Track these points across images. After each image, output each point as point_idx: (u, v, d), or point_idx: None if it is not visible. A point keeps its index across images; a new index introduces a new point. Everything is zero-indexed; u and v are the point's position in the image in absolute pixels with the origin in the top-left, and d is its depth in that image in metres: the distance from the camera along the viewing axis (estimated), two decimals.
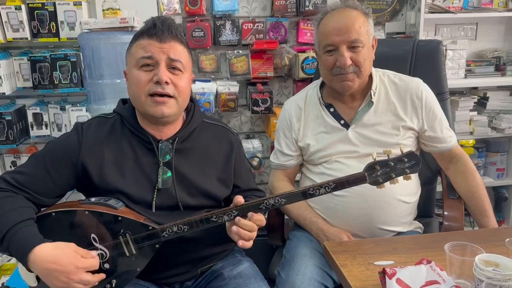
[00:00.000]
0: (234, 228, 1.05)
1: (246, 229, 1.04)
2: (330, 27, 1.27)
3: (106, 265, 1.07)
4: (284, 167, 1.46)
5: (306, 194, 1.05)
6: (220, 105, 2.17)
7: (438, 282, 0.86)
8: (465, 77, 2.42)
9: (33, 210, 1.07)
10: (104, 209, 1.06)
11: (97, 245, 1.06)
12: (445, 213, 1.40)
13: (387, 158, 1.04)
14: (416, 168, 1.04)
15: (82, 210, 1.07)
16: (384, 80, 1.36)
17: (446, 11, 2.31)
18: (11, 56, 2.02)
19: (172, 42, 1.09)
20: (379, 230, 1.31)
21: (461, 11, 2.35)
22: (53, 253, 0.98)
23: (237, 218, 1.04)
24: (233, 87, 2.18)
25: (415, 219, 1.42)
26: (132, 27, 1.78)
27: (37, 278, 1.06)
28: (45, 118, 2.07)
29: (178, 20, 2.11)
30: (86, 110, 1.98)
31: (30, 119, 2.06)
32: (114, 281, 1.07)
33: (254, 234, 1.07)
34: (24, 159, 2.08)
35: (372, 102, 1.32)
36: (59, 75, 1.96)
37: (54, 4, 1.90)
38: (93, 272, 1.02)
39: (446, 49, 2.34)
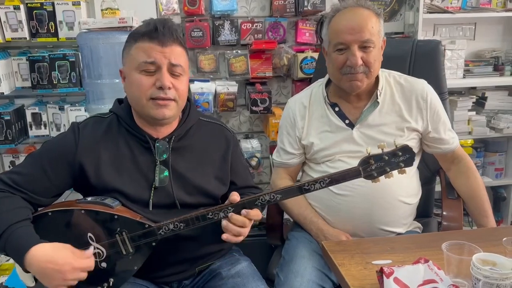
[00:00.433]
0: (224, 222, 1.05)
1: (237, 224, 1.05)
2: (342, 26, 1.25)
3: (103, 264, 1.07)
4: (287, 165, 1.45)
5: (301, 189, 1.05)
6: (219, 105, 2.17)
7: (435, 281, 0.86)
8: (464, 77, 2.42)
9: (30, 210, 1.07)
10: (100, 208, 1.06)
11: (94, 244, 1.06)
12: (444, 213, 1.40)
13: (381, 152, 1.04)
14: (410, 162, 1.04)
15: (78, 209, 1.07)
16: (390, 81, 1.36)
17: (445, 11, 2.31)
18: (10, 56, 2.02)
19: (173, 45, 1.09)
20: (380, 230, 1.31)
21: (459, 11, 2.36)
22: (49, 253, 0.98)
23: (230, 213, 1.04)
24: (232, 87, 2.18)
25: (414, 219, 1.42)
26: (131, 27, 1.78)
27: (35, 278, 1.06)
28: (44, 118, 2.07)
29: (177, 20, 2.11)
30: (85, 110, 1.98)
31: (28, 119, 2.07)
32: (111, 279, 1.07)
33: (245, 230, 1.07)
34: (22, 159, 2.07)
35: (378, 102, 1.32)
36: (57, 75, 1.96)
37: (52, 4, 1.91)
38: (90, 272, 1.02)
39: (444, 49, 2.34)
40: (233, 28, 2.17)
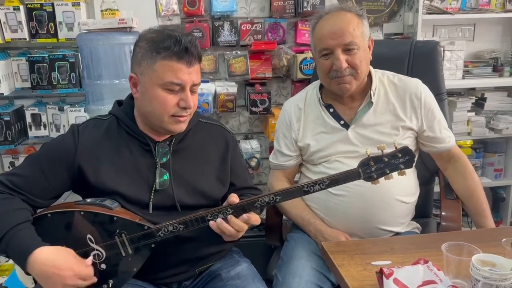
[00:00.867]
0: (214, 223, 1.04)
1: (235, 228, 1.05)
2: (324, 31, 1.27)
3: (103, 266, 1.07)
4: (283, 167, 1.46)
5: (301, 191, 1.05)
6: (219, 106, 2.18)
7: (435, 282, 0.86)
8: (463, 78, 2.42)
9: (30, 212, 1.07)
10: (100, 210, 1.06)
11: (93, 245, 1.06)
12: (443, 213, 1.41)
13: (381, 153, 1.04)
14: (410, 164, 1.04)
15: (77, 211, 1.07)
16: (384, 81, 1.37)
17: (444, 12, 2.31)
18: (10, 57, 2.02)
19: (196, 64, 1.10)
20: (378, 230, 1.31)
21: (458, 12, 2.36)
22: (52, 257, 0.98)
23: (229, 216, 1.04)
24: (232, 88, 2.18)
25: (413, 219, 1.42)
26: (131, 27, 1.78)
27: (34, 280, 1.06)
28: (44, 118, 2.07)
29: (176, 20, 2.11)
30: (85, 111, 1.98)
31: (28, 119, 2.07)
32: (111, 281, 1.07)
33: (239, 234, 1.07)
34: (22, 160, 2.06)
35: (372, 102, 1.33)
36: (57, 75, 1.96)
37: (52, 4, 1.91)
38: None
39: (444, 50, 2.34)
40: (233, 29, 2.17)
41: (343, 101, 1.36)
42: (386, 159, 1.03)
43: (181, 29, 2.10)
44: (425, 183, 1.57)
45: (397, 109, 1.33)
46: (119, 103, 1.21)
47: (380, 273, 0.89)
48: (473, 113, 2.45)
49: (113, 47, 1.81)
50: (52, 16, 1.92)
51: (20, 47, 2.06)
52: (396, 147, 1.04)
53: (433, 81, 1.56)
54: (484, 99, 2.46)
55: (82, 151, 1.11)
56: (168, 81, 1.06)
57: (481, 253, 0.89)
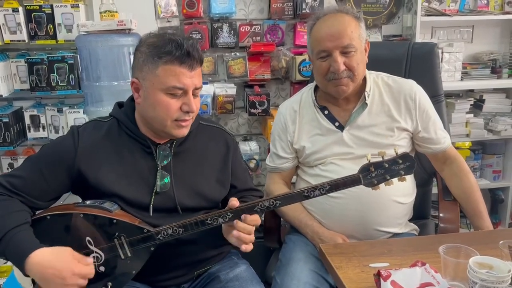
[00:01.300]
0: (235, 232, 1.04)
1: (245, 232, 1.04)
2: (322, 33, 1.27)
3: (102, 268, 1.07)
4: (280, 170, 1.46)
5: (301, 196, 1.06)
6: (218, 107, 2.18)
7: (432, 284, 0.87)
8: (461, 80, 2.43)
9: (28, 213, 1.07)
10: (99, 212, 1.06)
11: (92, 248, 1.06)
12: (441, 215, 1.41)
13: (381, 159, 1.04)
14: (410, 170, 1.04)
15: (76, 213, 1.06)
16: (378, 82, 1.37)
17: (442, 14, 2.32)
18: (9, 58, 2.02)
19: (198, 68, 1.09)
20: (375, 231, 1.31)
21: (457, 14, 2.36)
22: (49, 258, 0.98)
23: (235, 221, 1.04)
24: (231, 89, 2.19)
25: (410, 220, 1.42)
26: (130, 29, 1.78)
27: (33, 281, 1.06)
28: (42, 120, 2.07)
29: (175, 22, 2.11)
30: (83, 112, 1.98)
31: (27, 121, 2.07)
32: (110, 283, 1.07)
33: (253, 236, 1.07)
34: (21, 161, 2.06)
35: (366, 104, 1.33)
36: (56, 77, 1.96)
37: (51, 6, 1.91)
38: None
39: (442, 52, 2.34)
40: (232, 31, 2.17)
41: (337, 103, 1.37)
42: (387, 165, 1.03)
43: (181, 32, 2.11)
44: (423, 184, 1.57)
45: (392, 110, 1.33)
46: (119, 105, 1.21)
47: (378, 275, 0.89)
48: (472, 115, 2.46)
49: (112, 49, 1.81)
50: (51, 17, 1.92)
51: (19, 48, 2.07)
52: (396, 153, 1.04)
53: (431, 82, 1.57)
54: (483, 101, 2.47)
55: (82, 153, 1.11)
56: (170, 85, 1.06)
57: (478, 255, 0.89)
